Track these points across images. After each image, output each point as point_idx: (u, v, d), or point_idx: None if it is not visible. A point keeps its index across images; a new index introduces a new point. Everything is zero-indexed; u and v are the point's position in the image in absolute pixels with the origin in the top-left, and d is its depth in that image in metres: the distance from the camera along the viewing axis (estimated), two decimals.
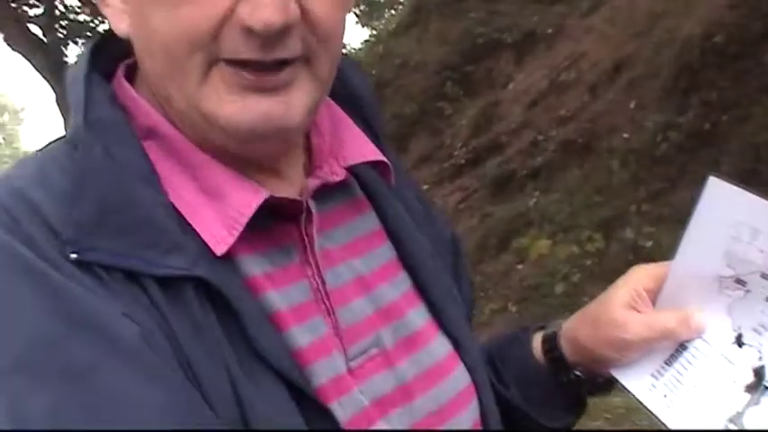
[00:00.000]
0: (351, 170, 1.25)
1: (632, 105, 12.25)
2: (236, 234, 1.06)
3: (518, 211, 12.29)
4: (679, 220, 7.23)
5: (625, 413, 6.04)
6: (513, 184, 13.14)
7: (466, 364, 1.25)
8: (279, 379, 1.01)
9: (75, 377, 0.92)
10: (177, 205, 1.07)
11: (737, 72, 10.82)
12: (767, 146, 9.44)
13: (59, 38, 16.99)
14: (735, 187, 1.16)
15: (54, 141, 1.16)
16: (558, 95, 14.47)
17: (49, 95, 15.72)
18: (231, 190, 1.09)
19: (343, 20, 1.14)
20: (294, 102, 1.07)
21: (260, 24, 0.99)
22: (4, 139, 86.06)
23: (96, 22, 19.19)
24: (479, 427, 1.24)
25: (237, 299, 1.02)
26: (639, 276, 1.31)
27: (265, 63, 1.05)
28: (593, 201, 11.20)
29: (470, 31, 16.10)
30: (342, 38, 1.15)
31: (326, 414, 1.04)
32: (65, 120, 15.65)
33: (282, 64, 1.05)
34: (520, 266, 10.78)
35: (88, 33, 19.17)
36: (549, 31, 16.20)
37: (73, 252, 0.97)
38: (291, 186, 1.18)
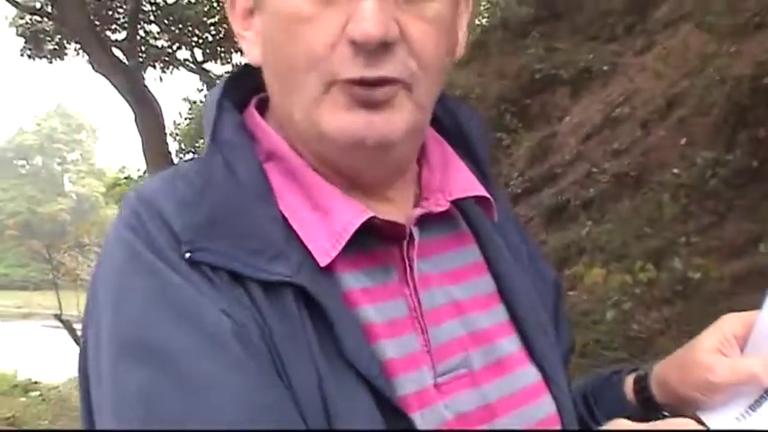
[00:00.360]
0: (457, 204, 1.27)
1: (683, 141, 12.14)
2: (340, 247, 1.09)
3: (571, 239, 12.15)
4: (727, 252, 7.26)
5: None
6: (566, 213, 13.02)
7: (553, 395, 1.25)
8: (365, 385, 1.03)
9: (170, 362, 0.98)
10: (289, 219, 1.11)
11: None
12: None
13: (139, 62, 17.06)
14: None
15: (184, 162, 1.25)
16: (611, 130, 14.34)
17: (128, 115, 15.72)
18: (339, 207, 1.12)
19: (444, 52, 1.18)
20: (395, 118, 1.11)
21: (362, 36, 1.05)
22: (81, 155, 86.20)
23: (173, 48, 19.32)
24: None
25: (333, 308, 1.05)
26: (729, 323, 1.29)
27: (370, 80, 1.08)
28: (644, 232, 11.07)
29: (529, 67, 15.88)
30: (442, 69, 1.19)
31: (407, 422, 1.06)
32: (142, 137, 15.78)
33: (388, 82, 1.09)
34: (572, 293, 10.69)
35: (165, 58, 19.29)
36: (604, 68, 16.04)
37: (187, 252, 1.03)
38: (399, 213, 1.20)
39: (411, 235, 1.16)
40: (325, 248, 1.08)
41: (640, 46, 15.93)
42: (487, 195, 1.26)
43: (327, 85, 1.09)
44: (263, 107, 1.25)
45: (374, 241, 1.13)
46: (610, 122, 14.57)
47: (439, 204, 1.23)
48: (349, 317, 1.07)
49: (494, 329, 1.23)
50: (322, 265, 1.07)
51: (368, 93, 1.08)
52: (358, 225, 1.09)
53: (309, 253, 1.08)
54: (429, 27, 1.10)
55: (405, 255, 1.16)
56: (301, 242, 1.10)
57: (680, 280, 9.42)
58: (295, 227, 1.11)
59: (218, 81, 11.98)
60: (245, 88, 1.26)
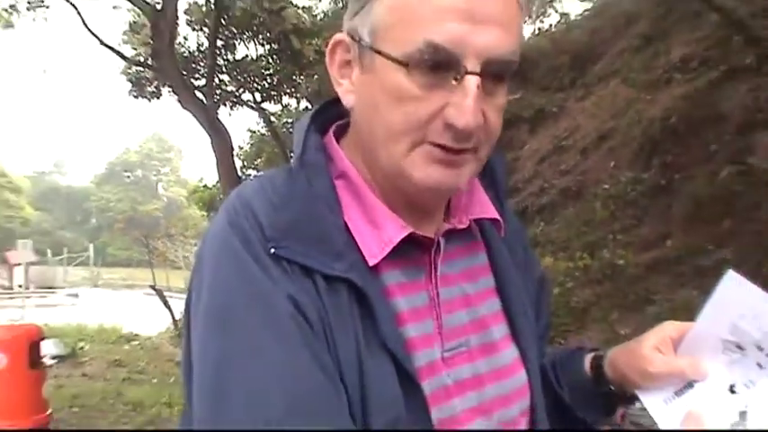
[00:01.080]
0: (477, 221, 1.26)
1: (611, 165, 12.14)
2: (385, 253, 1.08)
3: (529, 235, 12.22)
4: (642, 246, 7.28)
5: None
6: (525, 216, 12.95)
7: (527, 369, 1.24)
8: (390, 358, 1.02)
9: (239, 333, 0.98)
10: (350, 227, 1.09)
11: (685, 144, 10.76)
12: (706, 197, 9.38)
13: (214, 101, 17.04)
14: (745, 280, 1.12)
15: (277, 169, 1.19)
16: (558, 155, 14.32)
17: (206, 140, 15.66)
18: (387, 224, 1.10)
19: (501, 125, 1.12)
20: (462, 175, 1.09)
21: (463, 125, 1.01)
22: (170, 169, 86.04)
23: (239, 92, 19.29)
24: (526, 416, 1.24)
25: (375, 299, 1.04)
26: (668, 328, 1.26)
27: (453, 150, 1.06)
28: (582, 230, 11.13)
29: None
30: (498, 137, 1.14)
31: (415, 385, 1.05)
32: (216, 157, 15.83)
33: (464, 150, 1.07)
34: None
35: (233, 99, 19.23)
36: (554, 110, 15.99)
37: (272, 248, 1.01)
38: (432, 226, 1.18)
39: (438, 244, 1.15)
40: (374, 253, 1.08)
41: (581, 94, 15.94)
42: (498, 218, 1.26)
43: (416, 144, 1.06)
44: (339, 132, 1.22)
45: (411, 248, 1.11)
46: (558, 150, 14.58)
47: (461, 222, 1.22)
48: (386, 306, 1.07)
49: (489, 317, 1.23)
50: (371, 264, 1.07)
51: (448, 157, 1.06)
52: (399, 239, 1.08)
53: (362, 255, 1.08)
54: (498, 112, 1.08)
55: (431, 259, 1.15)
56: (357, 246, 1.08)
57: (608, 266, 9.46)
58: (354, 234, 1.09)
59: (271, 116, 11.86)
60: (327, 117, 1.23)
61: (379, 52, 1.05)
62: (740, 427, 1.11)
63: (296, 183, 1.10)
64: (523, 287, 1.32)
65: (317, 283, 1.02)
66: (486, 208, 1.26)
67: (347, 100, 1.13)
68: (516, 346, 1.24)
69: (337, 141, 1.21)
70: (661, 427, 1.19)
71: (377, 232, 1.10)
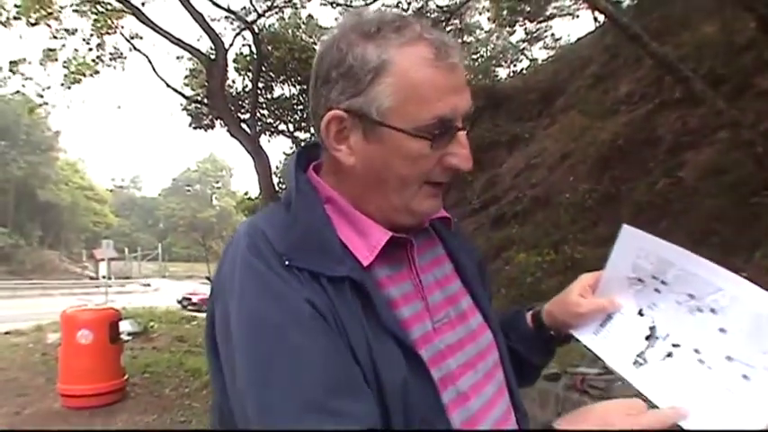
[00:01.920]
0: (431, 221, 1.27)
1: (571, 179, 12.16)
2: (376, 253, 1.08)
3: (506, 236, 12.14)
4: (597, 243, 7.32)
5: None
6: (503, 220, 12.98)
7: (491, 329, 1.25)
8: (392, 337, 1.02)
9: (271, 334, 0.96)
10: (342, 239, 1.08)
11: (630, 161, 10.78)
12: (646, 203, 9.41)
13: (256, 131, 17.09)
14: (637, 230, 1.20)
15: (273, 204, 1.18)
16: (530, 172, 14.27)
17: (250, 162, 15.68)
18: (373, 231, 1.10)
19: None
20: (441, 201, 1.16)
21: (468, 168, 1.09)
22: (222, 184, 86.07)
23: (276, 123, 19.34)
24: (499, 366, 1.24)
25: (372, 291, 1.04)
26: (586, 278, 1.32)
27: (447, 184, 1.12)
28: (549, 231, 11.13)
29: (482, 135, 15.79)
30: None
31: (416, 355, 1.04)
32: (258, 175, 15.94)
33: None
34: (507, 267, 10.69)
35: (271, 129, 19.30)
36: (526, 135, 16.02)
37: (286, 260, 1.00)
38: (401, 229, 1.16)
39: (412, 242, 1.15)
40: (366, 256, 1.08)
41: (546, 123, 15.94)
42: (448, 216, 1.28)
43: (420, 186, 1.10)
44: (316, 168, 1.22)
45: (392, 247, 1.10)
46: (529, 167, 14.54)
47: (424, 223, 1.24)
48: (381, 296, 1.07)
49: (457, 294, 1.23)
50: (365, 265, 1.07)
51: (438, 190, 1.13)
52: (384, 242, 1.09)
53: (356, 259, 1.07)
54: None
55: (409, 254, 1.16)
56: (351, 253, 1.08)
57: (569, 260, 9.46)
58: (346, 243, 1.09)
59: (301, 143, 11.89)
60: (306, 157, 1.23)
61: (391, 127, 1.05)
62: (653, 340, 1.16)
63: (296, 209, 1.10)
64: (473, 266, 1.33)
65: (324, 286, 1.01)
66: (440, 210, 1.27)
67: (348, 161, 1.10)
68: (480, 313, 1.25)
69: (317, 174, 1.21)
70: (594, 351, 1.24)
71: (365, 239, 1.10)
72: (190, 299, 27.34)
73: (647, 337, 1.17)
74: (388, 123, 1.05)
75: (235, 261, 1.04)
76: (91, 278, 54.23)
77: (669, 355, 1.13)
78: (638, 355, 1.16)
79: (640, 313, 1.21)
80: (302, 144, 1.37)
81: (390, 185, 1.09)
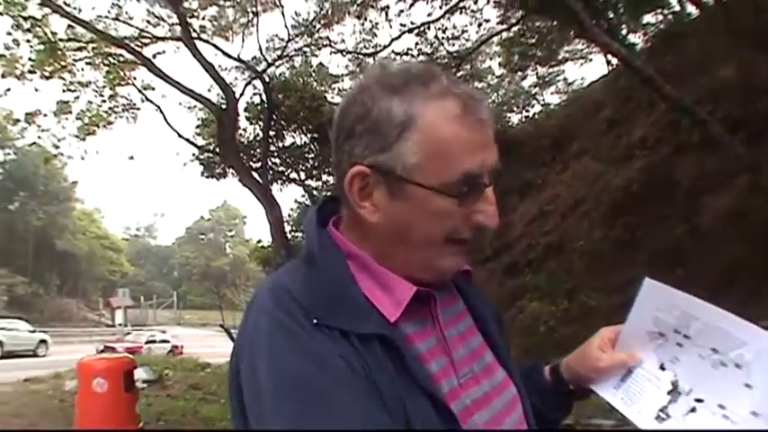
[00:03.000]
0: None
1: (585, 225, 12.10)
2: (402, 309, 1.06)
3: (520, 284, 12.10)
4: (611, 291, 7.08)
5: None
6: (517, 268, 12.96)
7: (514, 383, 1.23)
8: (423, 393, 1.01)
9: (311, 393, 0.94)
10: (367, 295, 1.07)
11: (645, 207, 10.67)
12: (662, 250, 9.25)
13: (268, 180, 17.14)
14: (659, 284, 1.19)
15: (292, 261, 1.17)
16: (543, 218, 14.29)
17: (261, 210, 15.73)
18: (397, 286, 1.08)
19: None
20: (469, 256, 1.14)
21: (495, 225, 1.06)
22: (235, 232, 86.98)
23: (287, 172, 19.42)
24: (523, 419, 1.22)
25: (403, 348, 1.02)
26: (606, 332, 1.31)
27: (473, 242, 1.09)
28: (563, 279, 11.03)
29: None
30: None
31: (449, 411, 1.03)
32: (270, 223, 15.95)
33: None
34: (520, 316, 10.58)
35: (283, 178, 19.37)
36: (539, 181, 16.07)
37: (314, 318, 0.99)
38: (424, 284, 1.13)
39: (435, 296, 1.13)
40: (392, 312, 1.06)
41: (559, 168, 15.92)
42: (469, 269, 1.25)
43: (446, 244, 1.07)
44: (335, 223, 1.20)
45: (417, 302, 1.08)
46: (542, 214, 14.52)
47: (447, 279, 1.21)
48: (411, 351, 1.05)
49: (480, 348, 1.21)
50: (392, 321, 1.05)
51: (467, 247, 1.10)
52: (411, 295, 1.07)
53: (382, 316, 1.05)
54: None
55: (432, 309, 1.13)
56: (376, 309, 1.06)
57: (583, 308, 9.33)
58: (371, 300, 1.07)
59: (313, 190, 11.84)
60: (326, 212, 1.21)
61: (418, 184, 1.04)
62: (675, 395, 1.15)
63: (321, 267, 1.08)
64: (492, 320, 1.30)
65: (353, 343, 0.99)
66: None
67: (371, 218, 1.09)
68: (502, 367, 1.23)
69: (337, 229, 1.19)
70: (615, 406, 1.22)
71: (390, 295, 1.08)
72: (114, 348, 26.54)
73: (670, 392, 1.16)
74: (413, 180, 1.04)
75: (259, 319, 1.03)
76: (107, 326, 54.53)
77: (693, 410, 1.13)
78: (660, 410, 1.15)
79: (662, 367, 1.20)
80: (321, 197, 1.41)
81: (414, 243, 1.08)
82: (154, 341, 31.84)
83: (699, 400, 1.12)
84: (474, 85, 22.48)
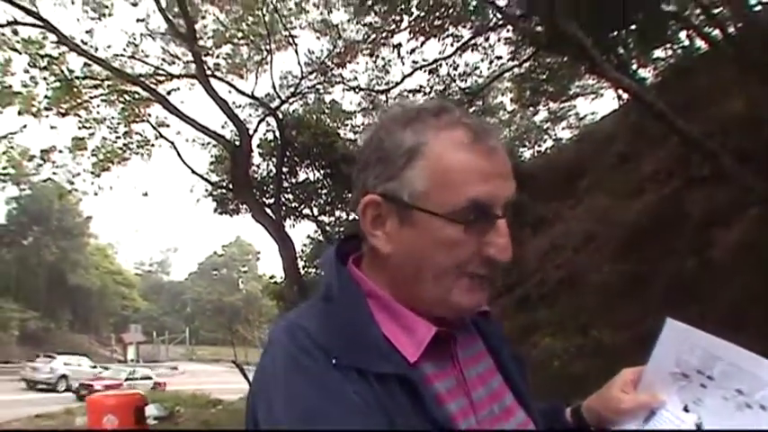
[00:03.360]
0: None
1: (597, 259, 12.07)
2: (422, 350, 1.07)
3: (532, 319, 11.97)
4: (625, 326, 7.03)
5: None
6: (529, 303, 12.87)
7: (534, 423, 1.23)
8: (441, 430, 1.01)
9: (324, 425, 0.94)
10: (387, 335, 1.07)
11: (656, 241, 10.64)
12: (675, 286, 9.20)
13: (281, 216, 17.19)
14: (682, 324, 1.18)
15: (311, 299, 1.17)
16: (555, 253, 14.23)
17: (274, 246, 15.74)
18: (418, 326, 1.08)
19: None
20: (488, 294, 1.13)
21: (507, 259, 1.06)
22: (248, 268, 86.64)
23: (300, 208, 19.44)
24: None
25: (422, 387, 1.02)
26: (627, 373, 1.29)
27: (490, 277, 1.09)
28: (576, 314, 10.96)
29: (506, 215, 16.00)
30: None
31: None
32: (283, 259, 15.96)
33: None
34: (533, 352, 10.52)
35: (296, 213, 19.39)
36: (550, 216, 16.05)
37: (333, 359, 0.99)
38: (447, 323, 1.15)
39: (455, 337, 1.15)
40: (411, 352, 1.06)
41: (571, 203, 15.91)
42: (488, 309, 1.26)
43: (458, 278, 1.07)
44: (356, 261, 1.21)
45: (437, 342, 1.09)
46: (554, 249, 14.47)
47: (465, 319, 1.23)
48: (431, 392, 1.05)
49: (499, 390, 1.21)
50: (411, 361, 1.06)
51: (484, 283, 1.10)
52: (431, 335, 1.08)
53: (402, 356, 1.06)
54: None
55: (453, 349, 1.15)
56: (396, 349, 1.07)
57: (597, 343, 9.26)
58: (391, 339, 1.07)
59: (326, 226, 11.86)
60: (345, 250, 1.22)
61: (424, 210, 1.05)
62: None
63: (340, 306, 1.09)
64: (512, 361, 1.30)
65: (371, 383, 0.99)
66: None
67: (385, 249, 1.11)
68: (523, 409, 1.23)
69: (357, 267, 1.19)
70: None
71: (410, 335, 1.09)
72: (91, 385, 25.23)
73: None
74: (421, 207, 1.06)
75: (276, 356, 1.04)
76: (119, 362, 54.30)
77: None
78: None
79: (686, 409, 1.18)
80: (341, 235, 1.39)
81: (427, 274, 1.08)
82: (134, 378, 30.85)
83: None
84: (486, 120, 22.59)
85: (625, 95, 16.82)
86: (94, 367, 32.03)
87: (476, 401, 1.13)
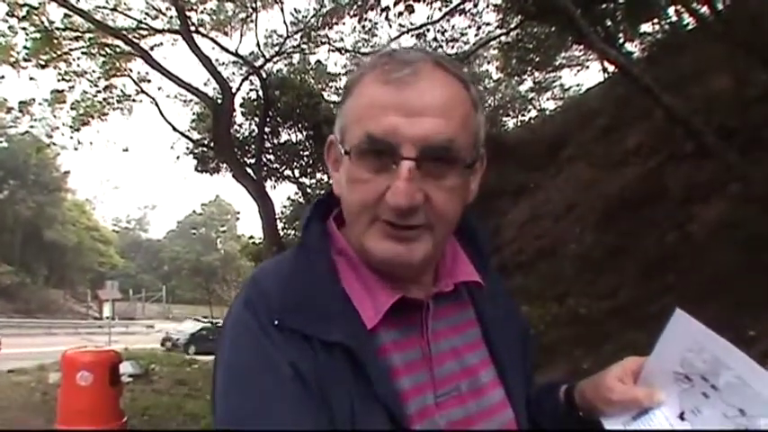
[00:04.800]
0: (463, 283, 1.18)
1: (577, 230, 12.14)
2: (380, 317, 1.02)
3: (509, 287, 12.05)
4: (600, 296, 7.12)
5: None
6: (506, 271, 12.91)
7: (513, 408, 1.16)
8: (384, 410, 0.97)
9: (252, 395, 0.94)
10: (349, 295, 1.03)
11: (637, 215, 10.70)
12: (653, 257, 9.29)
13: (262, 176, 17.13)
14: (691, 318, 1.07)
15: (288, 252, 1.14)
16: (535, 222, 14.32)
17: (254, 206, 15.72)
18: (380, 291, 1.04)
19: (459, 205, 1.07)
20: (415, 250, 1.02)
21: (394, 204, 0.97)
22: (227, 228, 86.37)
23: (281, 169, 19.38)
24: None
25: (368, 360, 0.98)
26: (630, 362, 1.18)
27: (399, 225, 1.00)
28: (553, 283, 11.04)
29: (488, 184, 15.96)
30: (456, 215, 1.07)
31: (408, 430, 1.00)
32: (262, 220, 15.92)
33: (413, 227, 1.01)
34: None
35: (277, 174, 19.34)
36: (532, 185, 16.10)
37: (276, 320, 0.96)
38: (421, 290, 1.10)
39: (428, 305, 1.08)
40: (370, 317, 1.02)
41: (553, 173, 15.96)
42: (479, 280, 1.18)
43: (372, 221, 1.02)
44: (340, 217, 1.14)
45: (405, 309, 1.04)
46: (535, 218, 14.53)
47: (447, 285, 1.14)
48: (378, 365, 1.00)
49: (477, 365, 1.14)
50: (369, 327, 1.01)
51: (396, 232, 1.01)
52: (390, 303, 1.02)
53: (360, 320, 1.02)
54: (447, 194, 1.02)
55: (423, 318, 1.08)
56: (356, 311, 1.02)
57: (573, 313, 9.34)
58: (353, 300, 1.03)
59: (307, 188, 11.83)
60: (329, 204, 1.16)
61: (342, 149, 1.04)
62: None
63: (297, 262, 1.07)
64: (509, 334, 1.23)
65: (315, 348, 0.96)
66: (469, 272, 1.18)
67: (338, 189, 1.09)
68: (503, 388, 1.16)
69: (341, 225, 1.14)
70: None
71: (372, 298, 1.04)
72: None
73: None
74: (342, 144, 1.05)
75: (231, 314, 1.03)
76: (95, 318, 54.21)
77: None
78: None
79: (682, 417, 1.08)
80: (308, 191, 1.30)
81: (349, 218, 1.08)
82: None
83: None
84: None
85: (611, 68, 16.84)
86: None
87: (438, 377, 1.08)
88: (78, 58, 16.73)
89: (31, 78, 16.33)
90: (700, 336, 1.06)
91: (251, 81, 17.96)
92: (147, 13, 16.88)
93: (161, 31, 16.84)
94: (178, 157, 19.63)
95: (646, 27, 17.03)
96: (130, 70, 17.65)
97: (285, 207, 20.76)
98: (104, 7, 16.26)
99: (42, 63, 16.00)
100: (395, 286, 1.06)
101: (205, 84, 17.48)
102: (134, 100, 18.23)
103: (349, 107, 1.04)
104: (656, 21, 16.45)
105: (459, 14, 17.49)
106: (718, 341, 1.04)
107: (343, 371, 0.96)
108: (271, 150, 18.64)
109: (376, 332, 1.03)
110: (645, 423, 1.11)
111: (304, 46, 18.82)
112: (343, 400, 0.95)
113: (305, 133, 18.18)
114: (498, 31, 18.51)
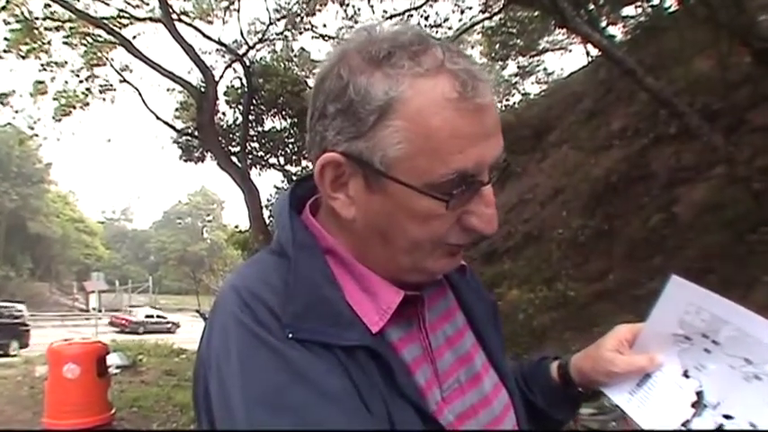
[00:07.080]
0: None
1: (564, 214, 12.15)
2: (386, 319, 0.94)
3: (498, 271, 12.10)
4: (589, 280, 7.15)
5: None
6: (495, 256, 12.99)
7: (507, 389, 1.12)
8: (411, 406, 0.91)
9: (297, 412, 0.83)
10: (348, 300, 0.94)
11: (623, 197, 10.76)
12: (640, 240, 9.33)
13: (247, 164, 17.05)
14: (687, 281, 1.06)
15: (261, 252, 1.04)
16: (522, 207, 14.35)
17: (240, 195, 15.66)
18: (382, 290, 0.96)
19: None
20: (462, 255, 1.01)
21: (491, 231, 0.92)
22: (213, 217, 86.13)
23: (267, 157, 19.28)
24: (516, 427, 1.11)
25: (390, 359, 0.92)
26: (623, 330, 1.17)
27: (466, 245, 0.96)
28: (541, 267, 11.08)
29: None
30: None
31: (438, 424, 0.95)
32: (248, 208, 15.90)
33: None
34: (499, 303, 10.63)
35: (262, 162, 19.22)
36: (518, 170, 16.12)
37: (290, 332, 0.87)
38: (411, 285, 1.02)
39: (423, 299, 1.02)
40: (375, 321, 0.94)
41: (539, 157, 15.99)
42: (464, 264, 1.12)
43: (435, 248, 0.93)
44: (313, 208, 1.05)
45: (402, 304, 0.96)
46: (521, 203, 14.57)
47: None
48: (399, 362, 0.95)
49: (470, 350, 1.10)
50: (374, 332, 0.93)
51: (459, 249, 0.96)
52: (398, 302, 0.95)
53: (363, 322, 0.93)
54: None
55: (418, 311, 1.01)
56: (357, 315, 0.94)
57: (561, 296, 9.37)
58: (352, 305, 0.94)
59: (293, 176, 11.79)
60: (300, 194, 1.06)
61: (397, 181, 0.88)
62: (700, 407, 1.03)
63: (295, 265, 0.95)
64: (485, 310, 1.19)
65: (337, 355, 0.88)
66: None
67: (347, 212, 0.94)
68: (495, 370, 1.12)
69: (314, 215, 1.05)
70: (629, 415, 1.10)
71: (373, 300, 0.96)
72: None
73: (694, 404, 1.04)
74: (395, 177, 0.87)
75: (227, 329, 0.89)
76: (81, 310, 53.91)
77: (720, 427, 1.00)
78: (682, 424, 1.03)
79: (686, 375, 1.07)
80: (294, 178, 1.20)
81: (398, 245, 0.94)
82: None
83: (727, 417, 1.01)
84: None
85: (594, 52, 16.85)
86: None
87: (441, 372, 1.03)
88: (59, 49, 16.62)
89: (11, 70, 16.20)
90: (697, 297, 1.05)
91: (234, 69, 17.85)
92: (128, 2, 16.73)
93: (143, 20, 16.68)
94: (163, 147, 19.58)
95: (628, 10, 17.05)
96: (112, 59, 17.51)
97: (271, 195, 20.70)
98: None
99: (23, 54, 15.85)
100: (395, 283, 0.99)
101: (188, 72, 17.44)
102: (116, 89, 18.10)
103: (403, 134, 0.87)
104: (638, 4, 16.44)
105: None
106: (716, 299, 1.03)
107: (369, 371, 0.90)
108: (255, 138, 18.53)
109: (383, 332, 0.96)
110: (651, 387, 1.11)
111: (287, 33, 18.72)
112: (377, 401, 0.89)
113: (289, 120, 18.08)
114: (481, 16, 18.45)
